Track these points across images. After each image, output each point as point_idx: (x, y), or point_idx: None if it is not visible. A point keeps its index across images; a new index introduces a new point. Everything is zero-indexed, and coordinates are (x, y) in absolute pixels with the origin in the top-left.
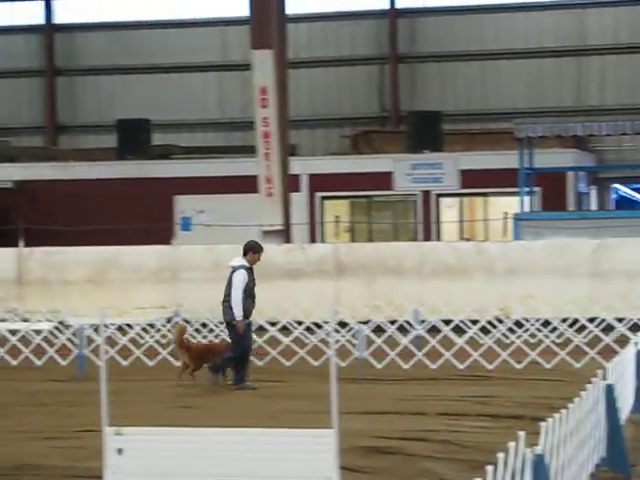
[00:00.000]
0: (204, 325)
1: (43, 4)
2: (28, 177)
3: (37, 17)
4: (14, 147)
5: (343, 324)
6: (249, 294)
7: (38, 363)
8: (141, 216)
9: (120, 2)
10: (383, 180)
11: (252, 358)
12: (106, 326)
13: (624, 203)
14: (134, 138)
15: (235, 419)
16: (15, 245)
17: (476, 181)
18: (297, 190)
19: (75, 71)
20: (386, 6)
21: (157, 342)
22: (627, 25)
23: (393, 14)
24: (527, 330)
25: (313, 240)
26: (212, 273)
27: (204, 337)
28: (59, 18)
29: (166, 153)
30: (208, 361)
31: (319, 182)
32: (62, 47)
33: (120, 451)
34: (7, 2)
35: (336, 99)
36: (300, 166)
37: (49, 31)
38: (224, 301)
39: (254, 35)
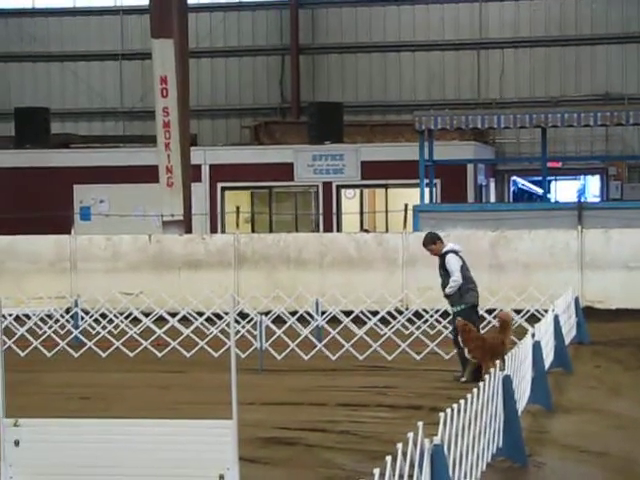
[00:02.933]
0: (103, 316)
1: None
2: None
3: None
4: None
5: (244, 315)
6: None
7: None
8: (40, 205)
9: None
10: (284, 171)
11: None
12: (3, 316)
13: (522, 195)
14: (32, 126)
15: (135, 410)
16: None
17: (377, 172)
18: (198, 180)
19: None
20: None
21: (55, 332)
22: (526, 19)
23: (294, 5)
24: (426, 321)
25: (214, 230)
26: (111, 263)
27: (103, 328)
28: None
29: (65, 142)
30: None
31: (220, 172)
32: None
33: (17, 443)
34: None
35: (237, 89)
36: (201, 156)
37: None
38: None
39: (154, 24)
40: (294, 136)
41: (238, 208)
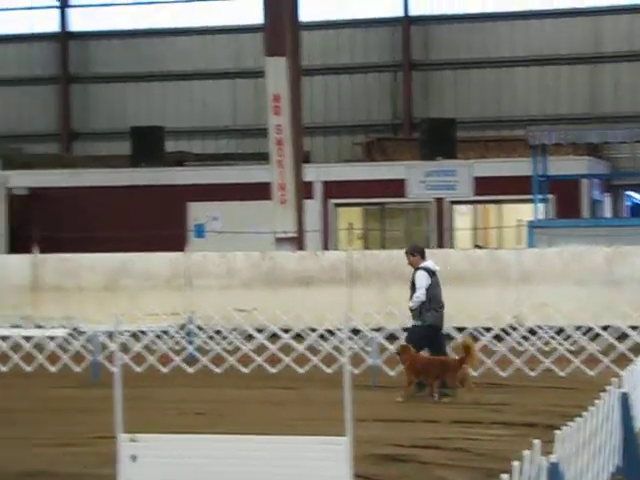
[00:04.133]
0: (218, 332)
1: (58, 12)
2: (42, 184)
3: (52, 25)
4: (28, 154)
5: (356, 331)
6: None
7: (52, 369)
8: (154, 223)
9: (134, 10)
10: (396, 187)
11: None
12: (120, 333)
13: (638, 210)
14: (148, 145)
15: (249, 426)
16: (29, 252)
17: (490, 188)
18: (311, 197)
19: (89, 78)
20: (400, 13)
21: (170, 349)
22: None
23: (406, 21)
24: (541, 338)
25: (326, 247)
26: (225, 280)
27: (218, 344)
28: (74, 26)
29: (179, 160)
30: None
31: (332, 189)
32: (76, 54)
33: (134, 458)
34: (24, 10)
35: (349, 106)
36: (314, 173)
37: (64, 39)
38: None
39: (268, 42)
40: (406, 152)
41: (350, 225)
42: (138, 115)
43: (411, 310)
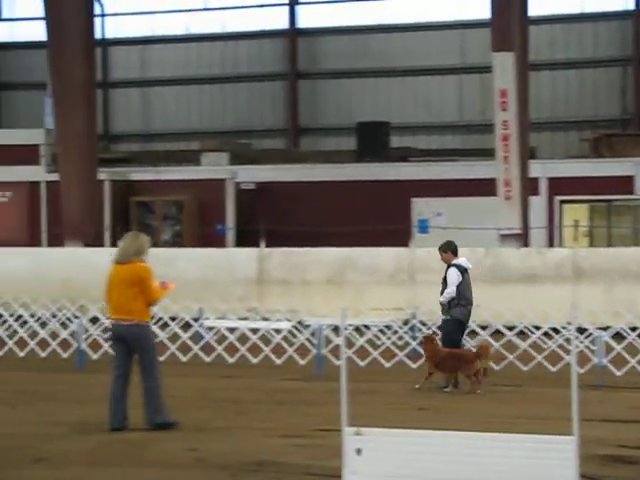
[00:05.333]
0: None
1: (288, 9)
2: (269, 179)
3: (282, 22)
4: (256, 149)
5: (581, 330)
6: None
7: (278, 362)
8: (379, 218)
9: (361, 6)
10: (624, 184)
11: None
12: (345, 327)
13: None
14: (373, 140)
15: (470, 423)
16: (256, 245)
17: None
18: (536, 193)
19: (317, 74)
20: (630, 7)
21: (394, 344)
22: None
23: (637, 15)
24: None
25: (551, 244)
26: None
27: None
28: (303, 23)
29: (404, 156)
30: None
31: (558, 185)
32: (305, 51)
33: (359, 451)
34: (253, 8)
35: (577, 101)
36: (539, 169)
37: (292, 35)
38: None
39: (495, 37)
40: (635, 149)
41: (576, 222)
42: (364, 111)
43: (441, 305)
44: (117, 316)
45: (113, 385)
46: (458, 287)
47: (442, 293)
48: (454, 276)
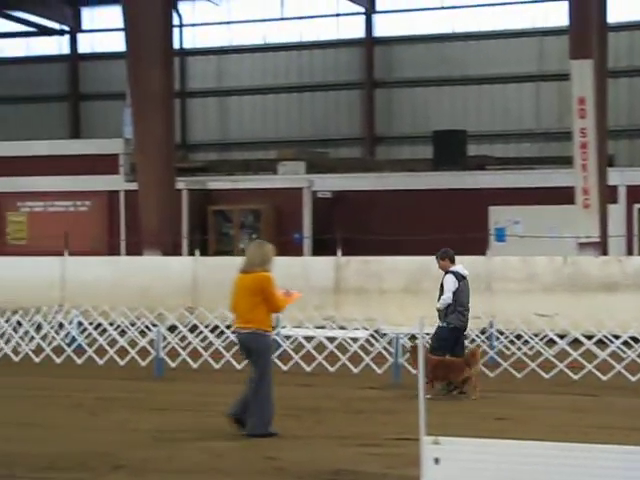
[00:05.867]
0: (518, 337)
1: (364, 18)
2: (346, 187)
3: (358, 31)
4: (332, 158)
5: None
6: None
7: (355, 370)
8: (455, 226)
9: (437, 14)
10: None
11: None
12: (422, 335)
13: None
14: (449, 149)
15: (548, 433)
16: (333, 254)
17: None
18: (614, 201)
19: (393, 83)
20: None
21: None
22: None
23: None
24: None
25: (630, 252)
26: (526, 284)
27: (519, 349)
28: (379, 31)
29: (481, 164)
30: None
31: (637, 193)
32: (381, 59)
33: (437, 460)
34: (331, 17)
35: None
36: (618, 177)
37: (369, 44)
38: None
39: (573, 45)
40: None
41: None
42: (440, 119)
43: (438, 311)
44: (239, 325)
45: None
46: (455, 294)
47: (439, 299)
48: (451, 283)
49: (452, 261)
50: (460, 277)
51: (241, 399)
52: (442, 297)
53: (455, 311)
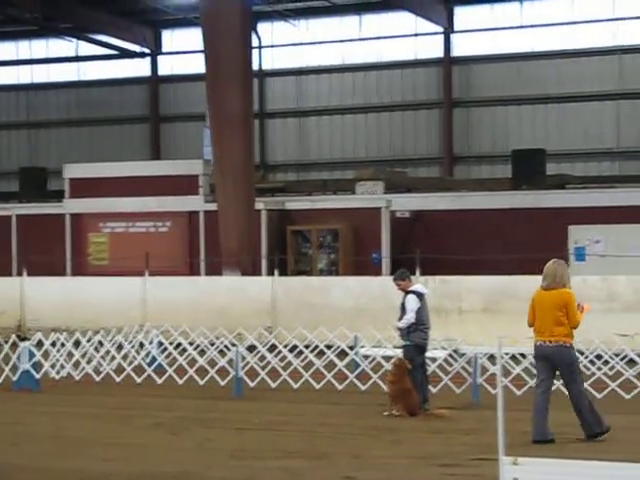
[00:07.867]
0: (598, 357)
1: (442, 38)
2: (424, 207)
3: (436, 50)
4: (411, 177)
5: None
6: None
7: (433, 390)
8: (534, 245)
9: (515, 33)
10: None
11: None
12: (501, 355)
13: None
14: (529, 168)
15: (628, 453)
16: (412, 274)
17: None
18: None
19: (471, 102)
20: None
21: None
22: None
23: None
24: None
25: None
26: (606, 304)
27: (598, 369)
28: (457, 51)
29: (560, 183)
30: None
31: None
32: (459, 79)
33: None
34: (409, 37)
35: None
36: None
37: (447, 64)
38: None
39: None
40: None
41: None
42: (519, 138)
43: (400, 330)
44: (541, 338)
45: (538, 400)
46: (417, 312)
47: (400, 319)
48: (413, 302)
49: (410, 280)
50: (420, 296)
51: (582, 415)
52: (405, 317)
53: (417, 329)
